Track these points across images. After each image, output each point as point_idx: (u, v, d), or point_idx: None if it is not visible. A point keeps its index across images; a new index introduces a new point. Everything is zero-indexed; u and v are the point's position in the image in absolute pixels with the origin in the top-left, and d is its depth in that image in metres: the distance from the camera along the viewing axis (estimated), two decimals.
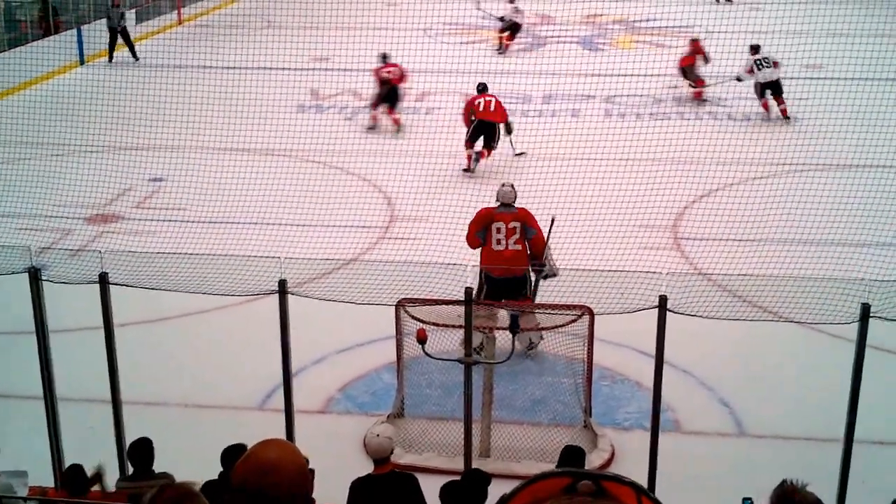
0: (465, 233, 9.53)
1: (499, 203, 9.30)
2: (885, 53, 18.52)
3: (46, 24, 23.58)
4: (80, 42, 22.59)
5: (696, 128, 16.67)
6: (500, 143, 15.17)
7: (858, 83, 17.41)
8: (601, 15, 27.96)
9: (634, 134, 15.06)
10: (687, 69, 19.68)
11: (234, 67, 20.03)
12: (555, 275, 9.01)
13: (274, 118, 16.37)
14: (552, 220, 9.26)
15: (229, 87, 17.15)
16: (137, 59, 23.04)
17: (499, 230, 9.08)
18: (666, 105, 18.28)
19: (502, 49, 24.65)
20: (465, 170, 14.98)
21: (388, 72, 17.44)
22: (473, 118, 15.19)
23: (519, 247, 9.08)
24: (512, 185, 9.39)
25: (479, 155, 15.10)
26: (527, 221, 9.14)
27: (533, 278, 9.10)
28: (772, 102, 17.74)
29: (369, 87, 18.95)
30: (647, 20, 27.21)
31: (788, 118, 17.51)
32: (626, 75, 19.16)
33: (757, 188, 13.33)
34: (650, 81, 18.96)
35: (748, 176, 13.97)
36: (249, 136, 15.29)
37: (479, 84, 16.11)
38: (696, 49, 19.97)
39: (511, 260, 9.00)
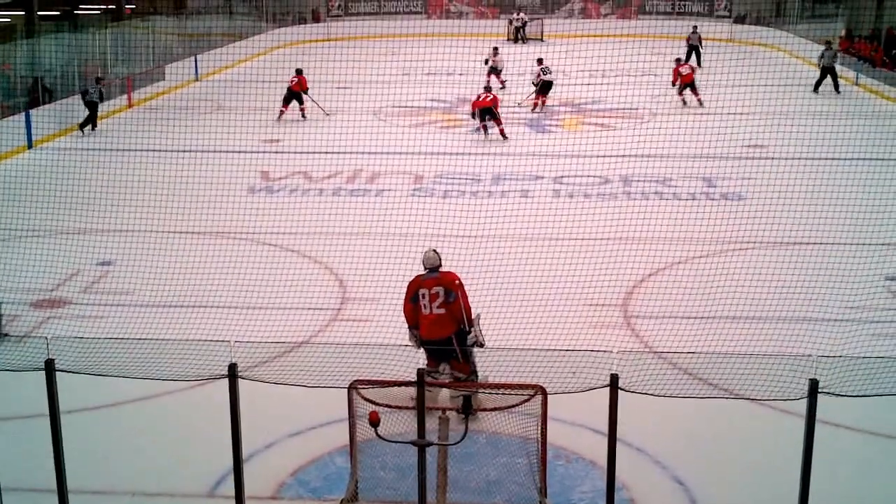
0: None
1: (426, 269, 9.57)
2: (826, 133, 19.00)
3: (36, 96, 24.71)
4: (28, 126, 22.50)
5: (643, 207, 16.95)
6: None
7: (801, 162, 17.85)
8: (548, 97, 28.46)
9: (583, 214, 15.22)
10: None
11: (184, 150, 20.05)
12: (481, 345, 9.29)
13: (224, 200, 16.36)
14: (477, 317, 9.50)
15: (179, 170, 17.14)
16: (94, 128, 24.12)
17: (423, 296, 9.38)
18: (613, 185, 18.54)
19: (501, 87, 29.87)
20: (476, 129, 23.43)
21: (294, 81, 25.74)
22: (475, 110, 23.30)
23: (442, 311, 9.33)
24: (435, 251, 9.67)
25: (495, 124, 22.99)
26: (448, 286, 9.38)
27: (457, 343, 9.30)
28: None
29: (318, 167, 19.12)
30: (594, 103, 27.74)
31: (543, 111, 26.82)
32: (574, 156, 19.47)
33: (705, 266, 13.50)
34: (598, 162, 19.26)
35: (695, 254, 14.16)
36: (200, 219, 15.25)
37: (486, 86, 24.41)
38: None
39: (435, 323, 9.33)
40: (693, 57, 34.62)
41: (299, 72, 26.02)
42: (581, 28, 39.62)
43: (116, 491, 8.43)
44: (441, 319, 9.35)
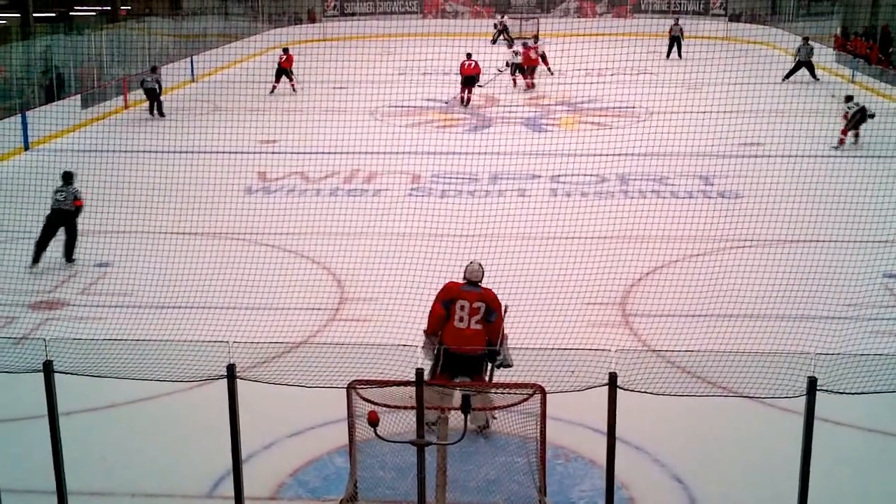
0: (415, 310, 9.54)
1: (465, 280, 9.24)
2: (821, 130, 19.02)
3: (51, 91, 26.19)
4: (24, 127, 22.48)
5: (640, 205, 16.97)
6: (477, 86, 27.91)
7: (798, 160, 17.87)
8: (544, 96, 28.49)
9: (580, 212, 15.24)
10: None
11: (181, 151, 20.03)
12: (509, 365, 8.93)
13: (222, 201, 16.37)
14: (505, 309, 9.18)
15: (176, 171, 17.13)
16: (164, 115, 26.28)
17: (462, 308, 9.01)
18: (611, 184, 18.55)
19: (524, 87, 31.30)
20: (445, 102, 27.58)
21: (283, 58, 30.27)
22: (460, 75, 27.37)
23: (480, 326, 9.01)
24: (480, 264, 9.32)
25: (467, 97, 27.33)
26: (491, 304, 9.05)
27: (488, 364, 9.02)
28: (520, 81, 30.87)
29: (315, 167, 19.12)
30: (590, 101, 27.76)
31: (533, 86, 30.38)
32: (571, 154, 19.47)
33: (702, 264, 13.51)
34: (595, 161, 19.25)
35: (693, 252, 14.16)
36: (197, 220, 15.22)
37: (467, 53, 27.48)
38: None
39: (471, 338, 8.96)
40: (675, 48, 37.02)
41: (286, 50, 30.89)
42: (576, 27, 39.70)
43: (116, 492, 8.43)
44: (477, 336, 8.97)
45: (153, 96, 26.50)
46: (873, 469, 8.78)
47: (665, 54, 36.65)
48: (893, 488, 8.49)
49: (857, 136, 21.60)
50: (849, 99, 22.34)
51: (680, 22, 38.06)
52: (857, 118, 21.73)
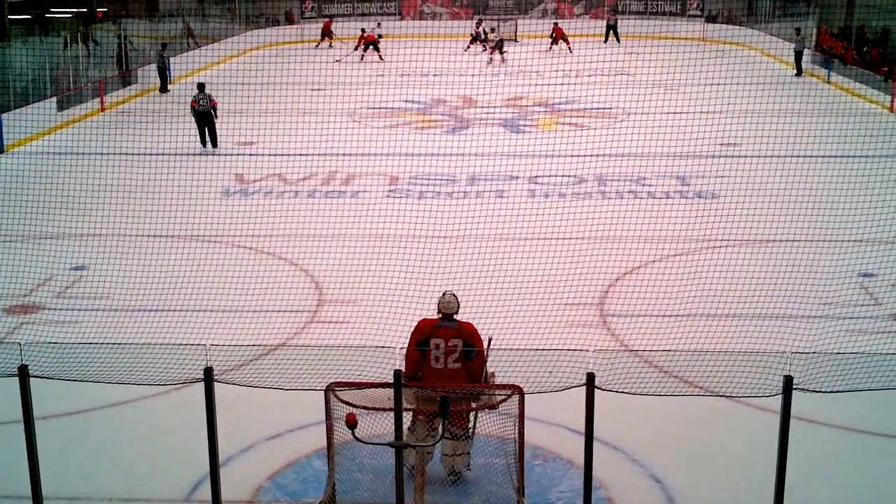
0: (393, 312, 9.50)
1: (440, 315, 8.37)
2: (799, 131, 19.13)
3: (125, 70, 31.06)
4: None
5: (618, 206, 17.01)
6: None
7: (774, 160, 17.98)
8: (522, 97, 28.54)
9: (558, 213, 15.26)
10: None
11: (158, 153, 19.95)
12: (493, 407, 7.90)
13: (199, 203, 16.28)
14: (489, 341, 8.48)
15: (153, 173, 17.07)
16: (167, 91, 30.25)
17: (437, 346, 8.15)
18: (588, 185, 18.59)
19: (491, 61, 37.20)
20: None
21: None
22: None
23: (458, 365, 8.27)
24: (454, 295, 8.50)
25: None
26: (469, 339, 8.29)
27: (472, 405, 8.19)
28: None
29: (293, 169, 19.06)
30: (568, 102, 27.83)
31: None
32: (549, 156, 19.52)
33: (679, 264, 13.57)
34: (573, 162, 19.31)
35: (670, 252, 14.22)
36: (174, 222, 15.16)
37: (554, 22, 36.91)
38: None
39: (449, 379, 8.20)
40: (611, 35, 41.16)
41: (363, 30, 38.88)
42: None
43: (92, 497, 8.38)
44: (455, 376, 8.15)
45: (161, 74, 30.22)
46: (849, 467, 8.83)
47: (603, 40, 40.60)
48: (869, 486, 8.54)
49: (503, 60, 35.36)
50: (493, 30, 37.50)
51: (616, 13, 43.30)
52: (497, 45, 36.63)
